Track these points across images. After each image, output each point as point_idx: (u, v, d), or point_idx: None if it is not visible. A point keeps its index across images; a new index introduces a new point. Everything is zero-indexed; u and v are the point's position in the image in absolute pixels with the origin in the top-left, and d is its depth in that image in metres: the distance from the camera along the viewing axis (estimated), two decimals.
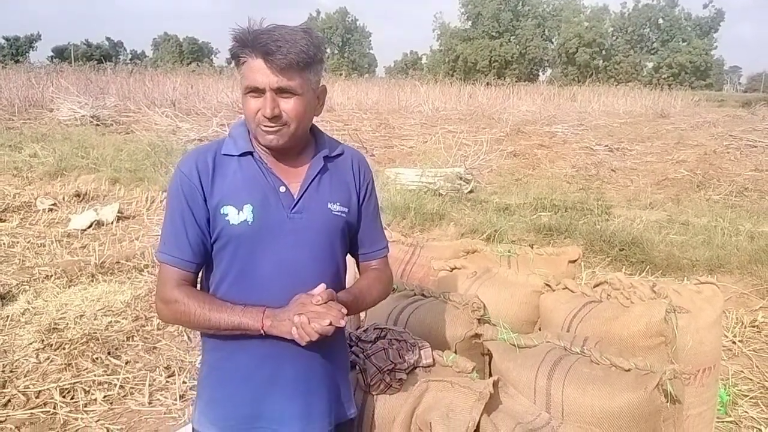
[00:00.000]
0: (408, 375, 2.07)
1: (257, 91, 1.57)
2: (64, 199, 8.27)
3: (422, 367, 2.10)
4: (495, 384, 2.00)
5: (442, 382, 1.98)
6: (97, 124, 16.13)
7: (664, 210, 8.59)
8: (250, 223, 1.62)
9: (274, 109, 1.56)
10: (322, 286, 1.62)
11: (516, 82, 43.91)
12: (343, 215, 1.73)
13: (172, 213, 1.67)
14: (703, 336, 2.66)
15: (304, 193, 1.68)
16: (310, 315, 1.54)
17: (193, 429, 1.78)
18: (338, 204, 1.72)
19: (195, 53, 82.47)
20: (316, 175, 1.70)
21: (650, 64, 72.79)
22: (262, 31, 1.55)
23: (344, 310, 1.57)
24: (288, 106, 1.58)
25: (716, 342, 2.78)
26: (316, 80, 1.63)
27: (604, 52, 72.47)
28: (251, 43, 1.54)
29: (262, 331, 1.59)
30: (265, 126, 1.59)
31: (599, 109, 27.15)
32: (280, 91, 1.56)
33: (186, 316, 1.63)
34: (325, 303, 1.56)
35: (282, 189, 1.67)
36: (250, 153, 1.68)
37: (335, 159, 1.77)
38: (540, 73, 77.68)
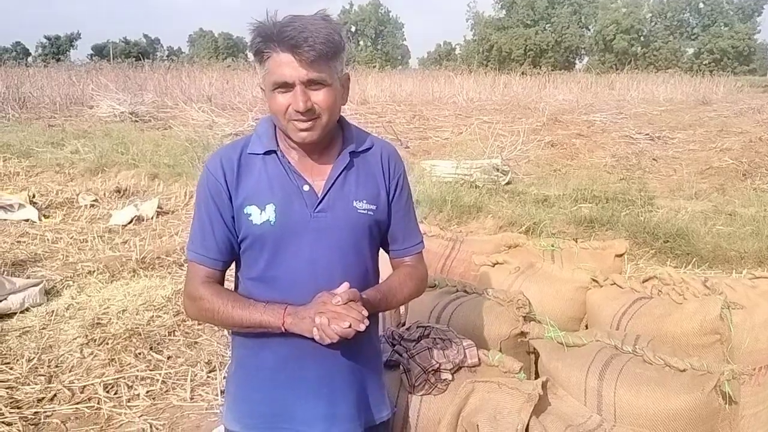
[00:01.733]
0: (453, 375, 2.01)
1: (286, 86, 1.52)
2: (105, 194, 8.41)
3: (467, 366, 2.05)
4: (544, 385, 1.94)
5: (489, 383, 1.93)
6: (136, 120, 16.40)
7: (709, 200, 8.35)
8: (272, 223, 1.60)
9: (306, 102, 1.51)
10: (345, 285, 1.57)
11: (552, 70, 43.29)
12: (371, 213, 1.67)
13: (200, 211, 1.66)
14: (759, 333, 2.54)
15: (328, 191, 1.63)
16: (330, 315, 1.48)
17: (224, 427, 1.78)
18: (365, 202, 1.67)
19: (230, 48, 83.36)
20: (341, 172, 1.65)
21: (691, 50, 71.12)
22: (284, 23, 1.49)
23: (365, 313, 1.51)
24: (319, 98, 1.53)
25: None
26: (341, 68, 1.59)
27: (642, 38, 70.99)
28: (277, 36, 1.49)
29: (282, 329, 1.55)
30: (298, 121, 1.55)
31: (638, 97, 26.58)
32: (310, 84, 1.52)
33: (210, 312, 1.62)
34: (346, 303, 1.51)
35: (306, 188, 1.62)
36: (274, 151, 1.64)
37: (363, 153, 1.71)
38: (576, 61, 76.54)
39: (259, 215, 1.60)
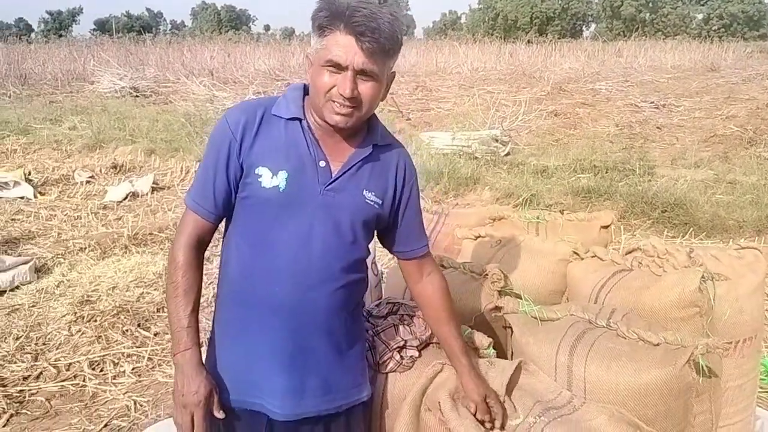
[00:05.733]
0: (420, 352, 1.98)
1: (338, 67, 1.53)
2: (101, 171, 8.40)
3: (435, 343, 2.01)
4: (518, 367, 1.91)
5: None
6: (136, 96, 16.30)
7: (711, 169, 8.24)
8: (281, 189, 1.61)
9: (353, 90, 1.53)
10: None
11: (558, 38, 42.66)
12: (376, 206, 1.71)
13: (207, 160, 1.67)
14: (743, 304, 2.48)
15: (344, 173, 1.66)
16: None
17: None
18: (373, 194, 1.71)
19: (233, 21, 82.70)
20: (360, 161, 1.68)
21: (700, 16, 69.93)
22: (356, 6, 1.50)
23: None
24: (365, 89, 1.56)
25: (758, 311, 2.59)
26: (391, 66, 1.63)
27: (651, 4, 69.73)
28: (347, 18, 1.48)
29: (171, 358, 1.66)
30: (338, 104, 1.55)
31: (646, 65, 26.21)
32: (362, 73, 1.53)
33: (168, 278, 1.68)
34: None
35: (322, 163, 1.64)
36: (299, 119, 1.64)
37: (383, 149, 1.75)
38: (584, 29, 75.41)
39: (270, 179, 1.61)
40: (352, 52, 1.50)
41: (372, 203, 1.70)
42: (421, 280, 1.85)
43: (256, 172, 1.61)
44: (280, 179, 1.61)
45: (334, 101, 1.55)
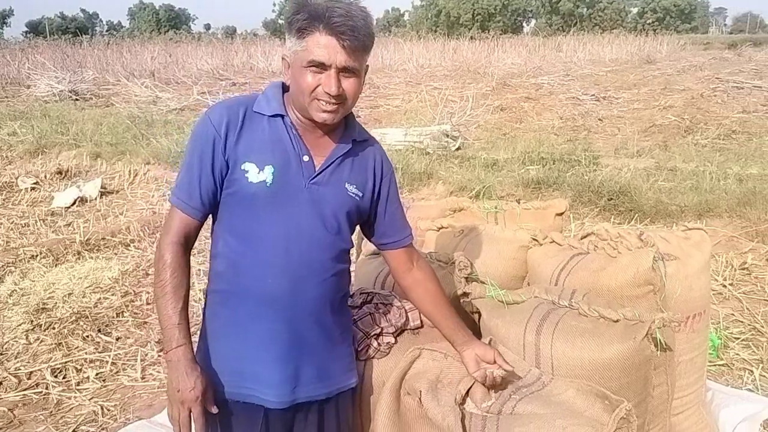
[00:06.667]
0: (397, 338, 2.05)
1: (321, 67, 1.57)
2: (46, 177, 8.17)
3: (410, 329, 2.08)
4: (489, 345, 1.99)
5: (436, 352, 1.97)
6: (76, 99, 15.87)
7: (652, 157, 8.58)
8: (268, 184, 1.65)
9: (339, 88, 1.58)
10: None
11: (500, 34, 43.33)
12: (357, 198, 1.78)
13: (191, 158, 1.69)
14: (692, 282, 2.64)
15: (327, 168, 1.72)
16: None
17: None
18: (354, 187, 1.77)
19: (172, 20, 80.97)
20: (341, 155, 1.74)
21: (634, 10, 72.25)
22: (332, 7, 1.55)
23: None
24: (348, 85, 1.61)
25: (705, 288, 2.76)
26: (366, 60, 1.67)
27: None
28: (326, 19, 1.53)
29: (164, 356, 1.68)
30: (324, 101, 1.60)
31: (585, 58, 26.88)
32: (344, 70, 1.59)
33: (156, 277, 1.68)
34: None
35: (305, 158, 1.70)
36: (281, 116, 1.69)
37: (361, 144, 1.81)
38: (524, 24, 76.83)
39: (257, 174, 1.65)
40: (334, 52, 1.55)
41: (353, 195, 1.76)
42: (413, 267, 1.93)
43: (243, 167, 1.65)
44: (267, 174, 1.65)
45: (319, 100, 1.60)
